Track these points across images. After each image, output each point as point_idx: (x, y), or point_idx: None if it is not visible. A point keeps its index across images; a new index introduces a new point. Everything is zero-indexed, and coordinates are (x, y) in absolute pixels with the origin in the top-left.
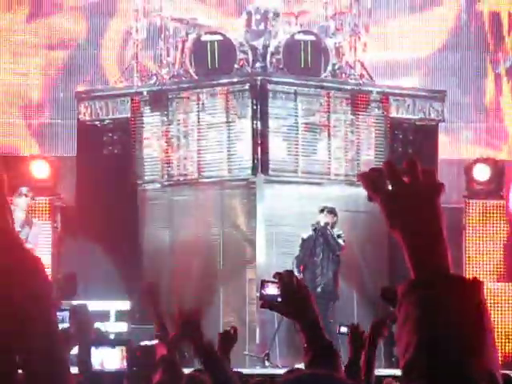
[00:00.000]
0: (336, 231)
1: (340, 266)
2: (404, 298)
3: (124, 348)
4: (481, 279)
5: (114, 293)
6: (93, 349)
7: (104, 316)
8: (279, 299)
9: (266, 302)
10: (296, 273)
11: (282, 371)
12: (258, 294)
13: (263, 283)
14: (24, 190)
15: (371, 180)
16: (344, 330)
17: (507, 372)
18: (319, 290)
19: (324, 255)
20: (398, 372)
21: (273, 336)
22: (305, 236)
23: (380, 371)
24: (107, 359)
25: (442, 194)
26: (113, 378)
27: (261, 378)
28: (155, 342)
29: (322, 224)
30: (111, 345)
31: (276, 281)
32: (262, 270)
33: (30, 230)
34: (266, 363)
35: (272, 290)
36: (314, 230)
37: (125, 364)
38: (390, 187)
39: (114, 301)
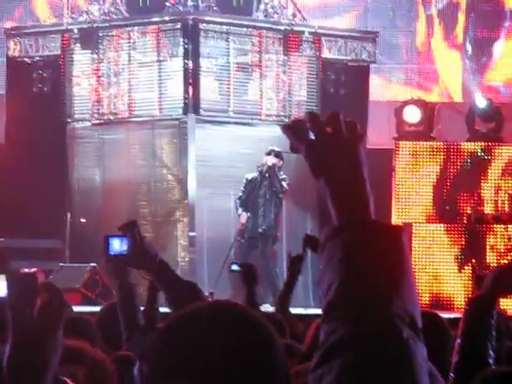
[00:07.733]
0: (281, 175)
1: (281, 209)
2: (327, 242)
3: (4, 276)
4: (411, 221)
5: (43, 231)
6: None
7: (33, 254)
8: (125, 252)
9: (112, 257)
10: (239, 212)
11: None
12: (103, 250)
13: (107, 238)
14: None
15: (294, 130)
16: (235, 267)
17: (435, 312)
18: (260, 230)
19: (267, 197)
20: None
21: (218, 275)
22: (249, 177)
23: (309, 311)
24: None
25: (363, 143)
26: None
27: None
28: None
29: (269, 164)
30: None
31: (121, 235)
32: (192, 209)
33: None
34: None
35: (117, 243)
36: (260, 171)
37: (5, 291)
38: (312, 137)
39: (42, 239)
